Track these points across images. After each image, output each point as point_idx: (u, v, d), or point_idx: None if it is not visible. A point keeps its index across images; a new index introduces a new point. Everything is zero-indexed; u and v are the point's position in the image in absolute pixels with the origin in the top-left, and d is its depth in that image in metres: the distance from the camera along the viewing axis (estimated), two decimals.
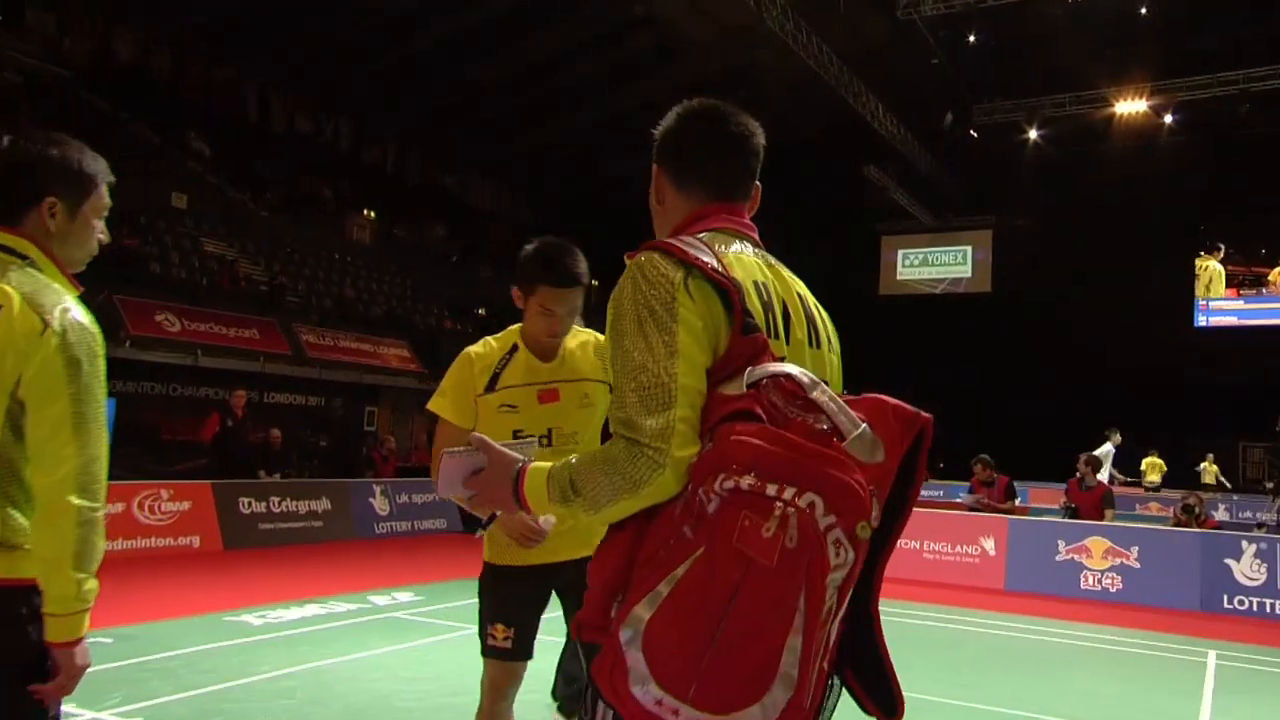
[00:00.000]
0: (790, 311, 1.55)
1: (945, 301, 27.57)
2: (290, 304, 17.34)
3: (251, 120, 23.55)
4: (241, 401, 11.93)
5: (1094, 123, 23.74)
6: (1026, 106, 23.77)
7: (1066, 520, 9.99)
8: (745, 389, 1.36)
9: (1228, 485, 19.29)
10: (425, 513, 12.88)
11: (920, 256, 27.94)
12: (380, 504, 12.34)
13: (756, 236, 1.67)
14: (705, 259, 1.45)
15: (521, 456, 1.57)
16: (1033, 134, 24.13)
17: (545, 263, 2.76)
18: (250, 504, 10.89)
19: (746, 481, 1.26)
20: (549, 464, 1.48)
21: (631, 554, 1.36)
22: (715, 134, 1.66)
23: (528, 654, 2.86)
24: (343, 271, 20.10)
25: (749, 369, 1.38)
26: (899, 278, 28.23)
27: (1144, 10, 20.25)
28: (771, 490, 1.25)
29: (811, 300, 1.64)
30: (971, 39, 21.37)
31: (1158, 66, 21.83)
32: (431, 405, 2.86)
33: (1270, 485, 12.10)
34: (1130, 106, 22.96)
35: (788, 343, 1.51)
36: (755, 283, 1.50)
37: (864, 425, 1.32)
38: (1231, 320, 26.97)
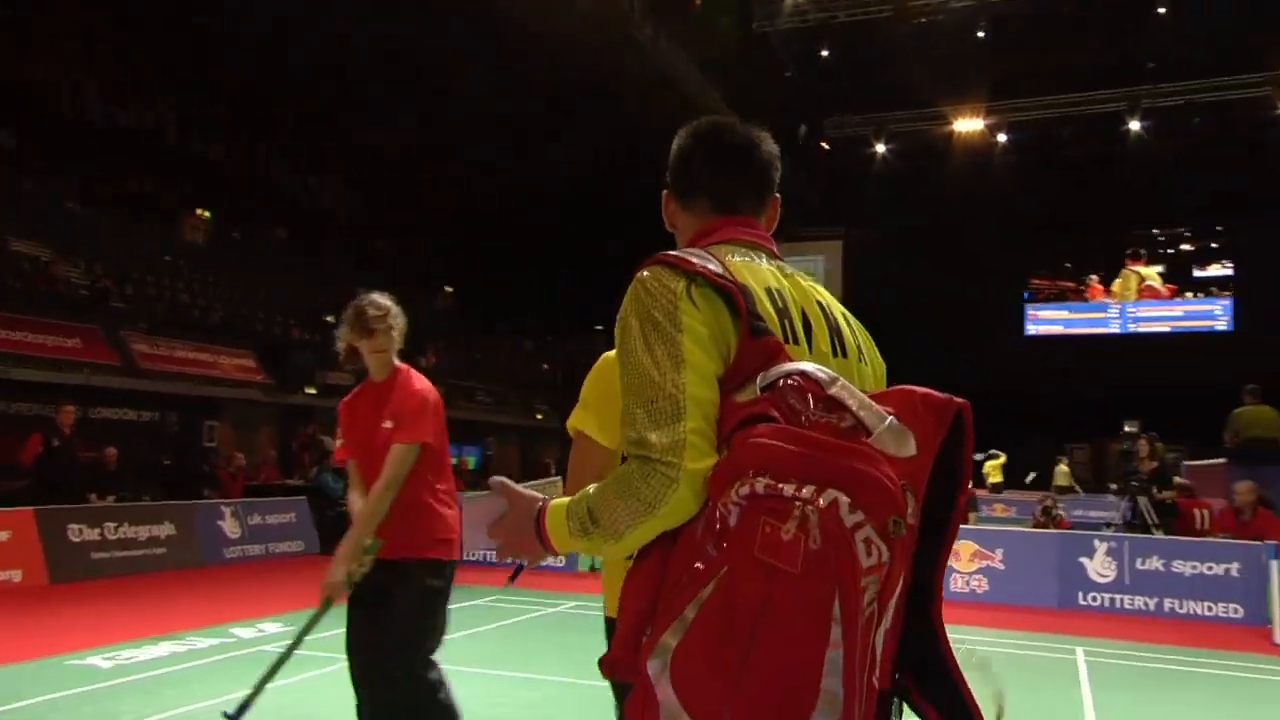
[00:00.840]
0: (810, 319, 1.47)
1: None
2: (116, 310, 16.08)
3: (66, 112, 21.77)
4: (70, 419, 10.94)
5: (936, 139, 25.07)
6: (874, 121, 24.88)
7: None
8: (759, 393, 1.30)
9: (1078, 490, 20.60)
10: (280, 534, 12.18)
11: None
12: (230, 526, 11.57)
13: (773, 248, 1.61)
14: (709, 266, 1.40)
15: (542, 496, 1.47)
16: (880, 148, 25.26)
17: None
18: (81, 531, 9.98)
19: (762, 484, 1.18)
20: (568, 499, 1.40)
21: (658, 583, 1.29)
22: (715, 147, 1.65)
23: None
24: (175, 275, 18.84)
25: (762, 373, 1.32)
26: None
27: (981, 34, 21.57)
28: (788, 490, 1.17)
29: (838, 309, 1.58)
30: (824, 54, 22.20)
31: (993, 87, 23.30)
32: (572, 422, 2.26)
33: (1115, 486, 13.00)
34: (968, 125, 24.40)
35: (810, 350, 1.44)
36: (768, 289, 1.44)
37: (890, 417, 1.25)
38: (1058, 329, 29.12)
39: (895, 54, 22.23)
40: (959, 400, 1.28)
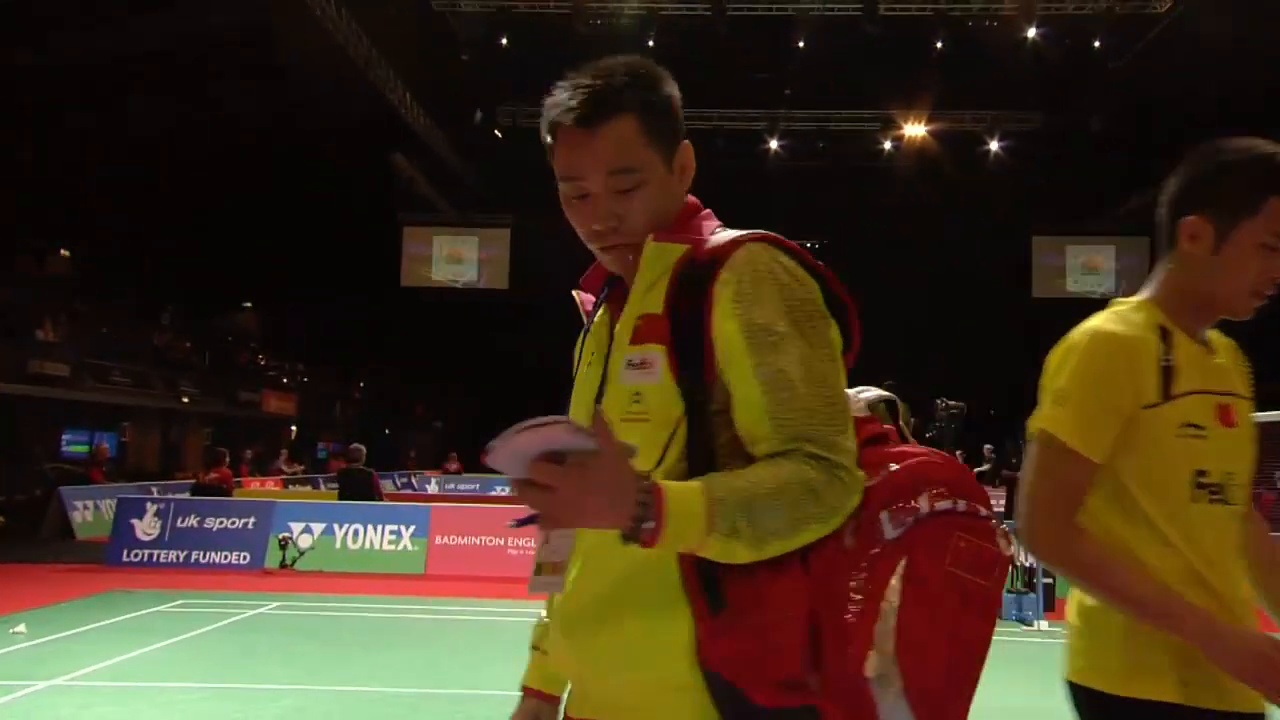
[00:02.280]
0: None
1: (468, 297, 28.41)
2: None
3: None
4: None
5: None
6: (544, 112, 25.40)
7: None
8: (866, 409, 1.38)
9: None
10: None
11: (444, 250, 28.40)
12: None
13: None
14: (819, 265, 1.35)
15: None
16: (548, 139, 25.82)
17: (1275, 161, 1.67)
18: None
19: (962, 505, 1.22)
20: (695, 482, 1.17)
21: (809, 596, 1.21)
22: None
23: None
24: None
25: (853, 389, 1.38)
26: (421, 270, 28.40)
27: (651, 43, 22.82)
28: (979, 509, 1.23)
29: None
30: (503, 41, 22.32)
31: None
32: (1044, 422, 1.66)
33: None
34: None
35: None
36: None
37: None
38: None
39: (571, 51, 22.86)
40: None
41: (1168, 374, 1.64)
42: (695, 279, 1.32)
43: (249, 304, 31.37)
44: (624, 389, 1.33)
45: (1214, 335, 1.79)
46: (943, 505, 1.21)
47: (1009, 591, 8.90)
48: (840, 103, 25.07)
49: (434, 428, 27.87)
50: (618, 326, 1.39)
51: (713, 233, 1.40)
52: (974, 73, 22.70)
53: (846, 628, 1.18)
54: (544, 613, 1.55)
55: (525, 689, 1.58)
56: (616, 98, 1.34)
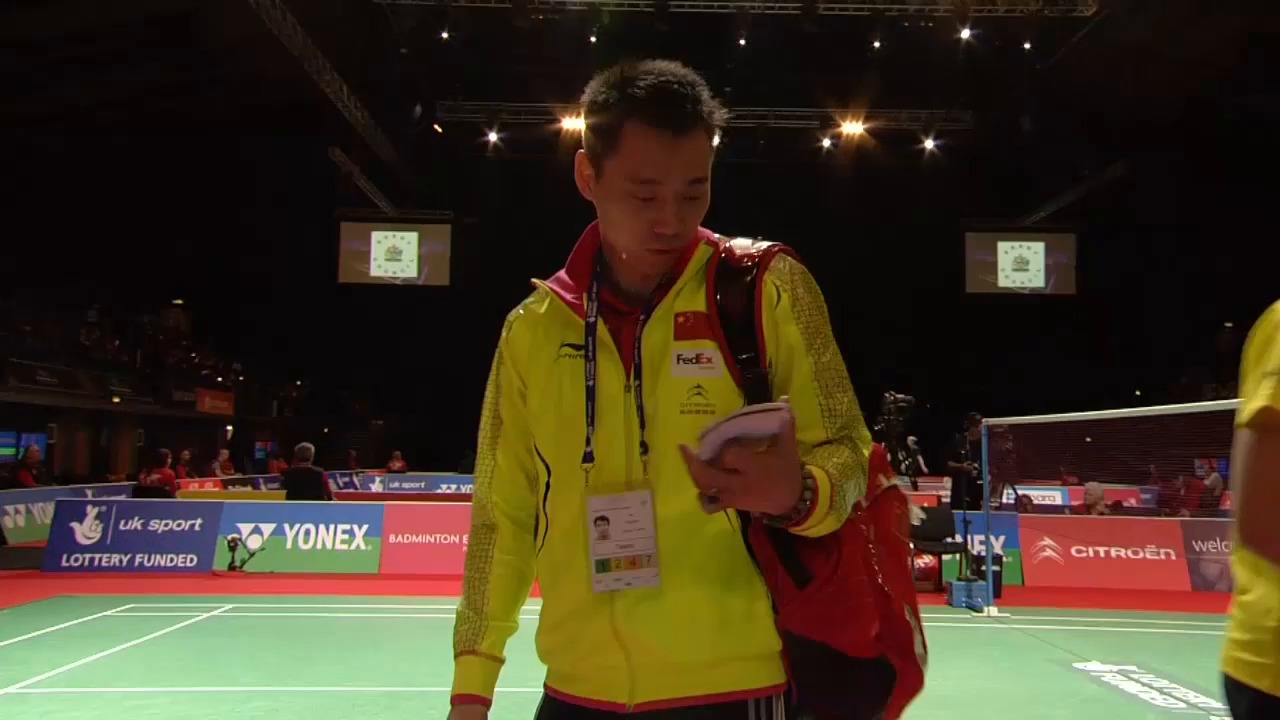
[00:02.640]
0: None
1: (408, 294, 28.09)
2: None
3: None
4: None
5: (547, 134, 26.05)
6: (488, 109, 25.24)
7: None
8: None
9: None
10: None
11: (382, 246, 28.02)
12: None
13: None
14: None
15: None
16: (493, 136, 25.69)
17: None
18: None
19: (894, 480, 1.52)
20: (816, 467, 1.32)
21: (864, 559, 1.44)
22: None
23: None
24: None
25: None
26: (358, 266, 27.99)
27: (594, 39, 22.80)
28: (897, 482, 1.53)
29: None
30: (444, 35, 22.08)
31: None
32: (1268, 400, 1.39)
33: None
34: (575, 123, 25.64)
35: None
36: None
37: None
38: None
39: (513, 46, 22.74)
40: None
41: None
42: (736, 280, 1.46)
43: (179, 301, 30.54)
44: (681, 382, 1.42)
45: None
46: (889, 481, 1.49)
47: (959, 579, 9.16)
48: (780, 100, 25.35)
49: (375, 426, 27.49)
50: (649, 324, 1.45)
51: (720, 237, 1.53)
52: (910, 72, 23.16)
53: (886, 583, 1.39)
54: (473, 613, 1.59)
55: (470, 696, 1.54)
56: (708, 111, 1.40)
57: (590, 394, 1.46)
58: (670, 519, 1.39)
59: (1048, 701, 5.79)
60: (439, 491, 17.12)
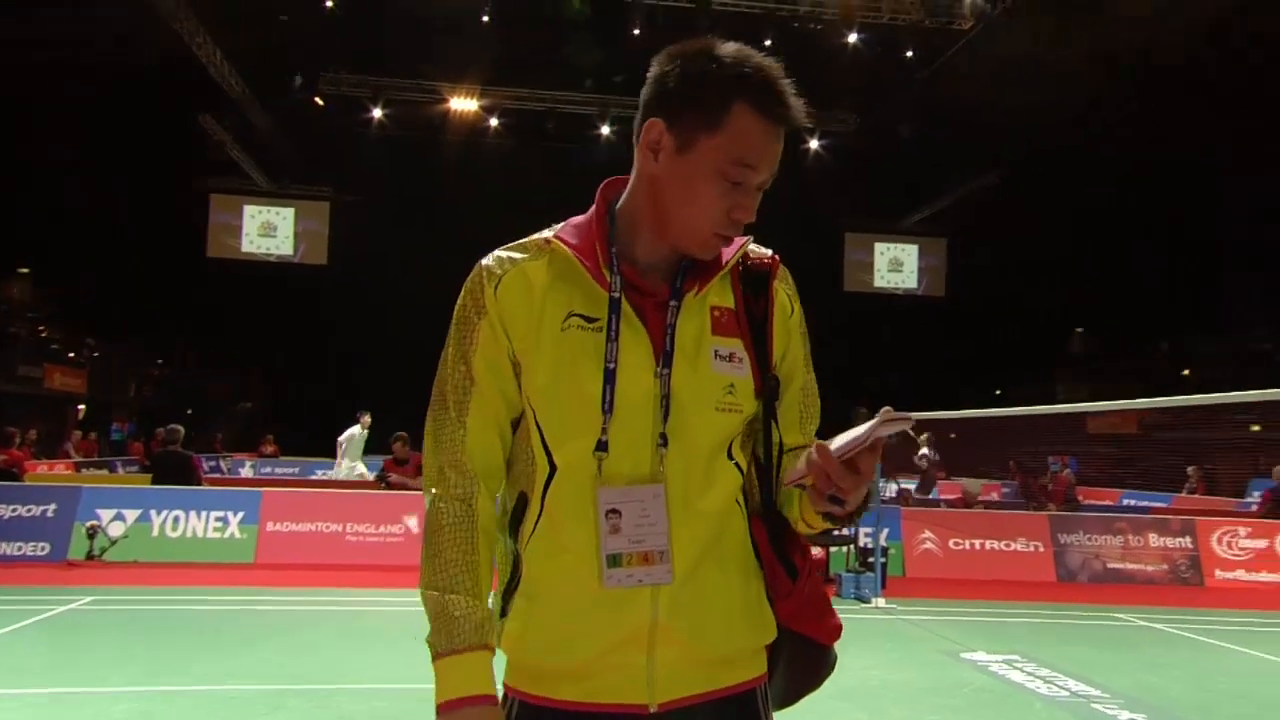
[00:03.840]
0: None
1: (283, 271, 26.88)
2: None
3: None
4: None
5: (434, 112, 25.35)
6: (372, 84, 24.36)
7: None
8: None
9: None
10: None
11: (257, 222, 26.72)
12: None
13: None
14: None
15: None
16: (378, 112, 24.83)
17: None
18: None
19: None
20: None
21: None
22: None
23: None
24: None
25: None
26: (229, 241, 26.63)
27: (486, 18, 22.29)
28: None
29: None
30: (328, 4, 21.19)
31: (488, 71, 24.19)
32: None
33: None
34: (464, 104, 25.07)
35: None
36: None
37: None
38: None
39: (401, 21, 22.03)
40: None
41: None
42: (756, 282, 1.47)
43: (25, 269, 28.49)
44: (718, 378, 1.39)
45: None
46: None
47: (848, 571, 9.33)
48: None
49: (243, 409, 26.15)
50: (683, 313, 1.39)
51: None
52: (799, 73, 23.33)
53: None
54: (474, 600, 1.35)
55: (487, 696, 1.32)
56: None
57: (610, 377, 1.35)
58: (694, 514, 1.37)
59: (942, 692, 5.91)
60: (314, 477, 16.41)
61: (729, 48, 1.38)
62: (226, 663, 5.96)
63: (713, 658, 1.39)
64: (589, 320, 1.36)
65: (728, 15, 21.70)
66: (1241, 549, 10.95)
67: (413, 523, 10.14)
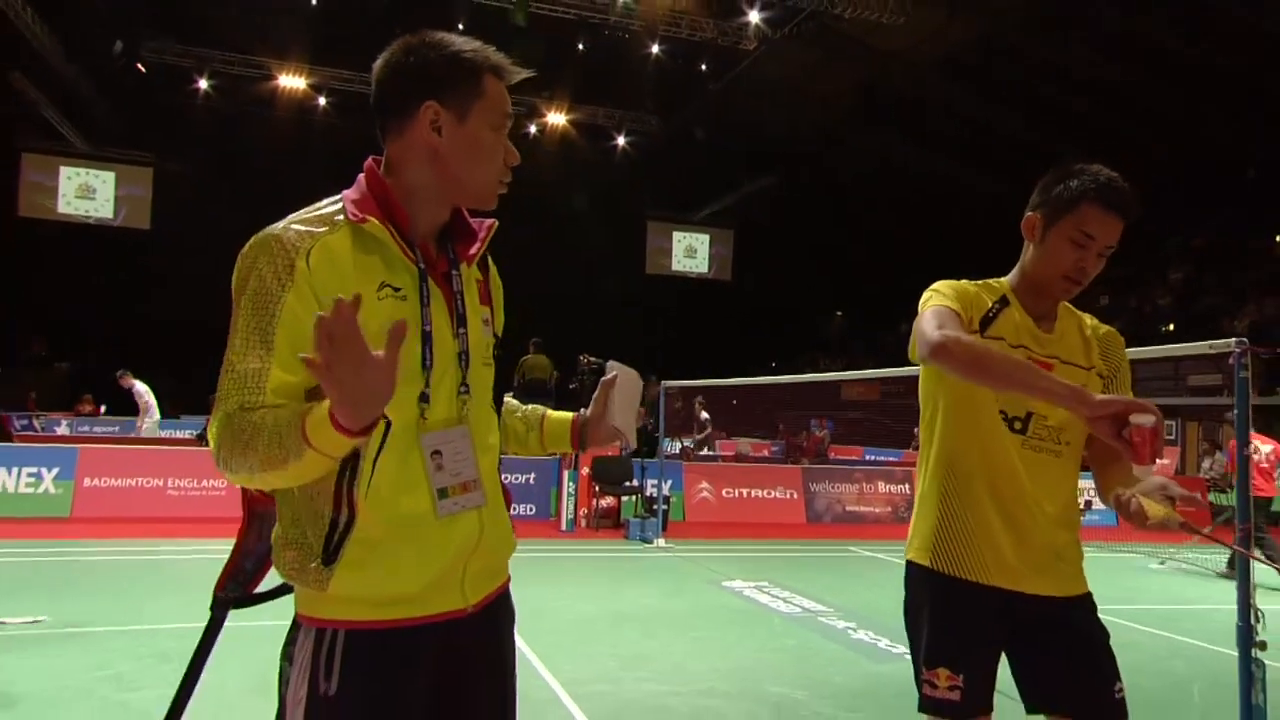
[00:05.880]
0: None
1: (101, 234, 24.60)
2: None
3: None
4: None
5: (263, 88, 23.87)
6: (198, 55, 22.65)
7: None
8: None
9: None
10: None
11: (75, 184, 24.29)
12: None
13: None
14: None
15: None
16: (204, 84, 23.12)
17: (1098, 178, 1.98)
18: None
19: None
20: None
21: None
22: None
23: (984, 706, 2.03)
24: None
25: None
26: (44, 201, 24.12)
27: (313, 1, 21.18)
28: None
29: None
30: None
31: (318, 50, 22.96)
32: (931, 301, 2.00)
33: None
34: (292, 81, 23.73)
35: None
36: None
37: None
38: None
39: None
40: None
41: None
42: (484, 257, 1.62)
43: None
44: (487, 339, 1.55)
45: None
46: None
47: (635, 517, 9.76)
48: None
49: (58, 368, 23.87)
50: (463, 280, 1.50)
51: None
52: (607, 75, 23.77)
53: None
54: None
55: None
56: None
57: (427, 339, 1.42)
58: (485, 448, 1.51)
59: (703, 613, 6.39)
60: (130, 434, 15.29)
61: (452, 36, 1.48)
62: (41, 609, 5.63)
63: (501, 563, 1.58)
64: (395, 290, 1.40)
65: (544, 18, 21.58)
66: None
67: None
